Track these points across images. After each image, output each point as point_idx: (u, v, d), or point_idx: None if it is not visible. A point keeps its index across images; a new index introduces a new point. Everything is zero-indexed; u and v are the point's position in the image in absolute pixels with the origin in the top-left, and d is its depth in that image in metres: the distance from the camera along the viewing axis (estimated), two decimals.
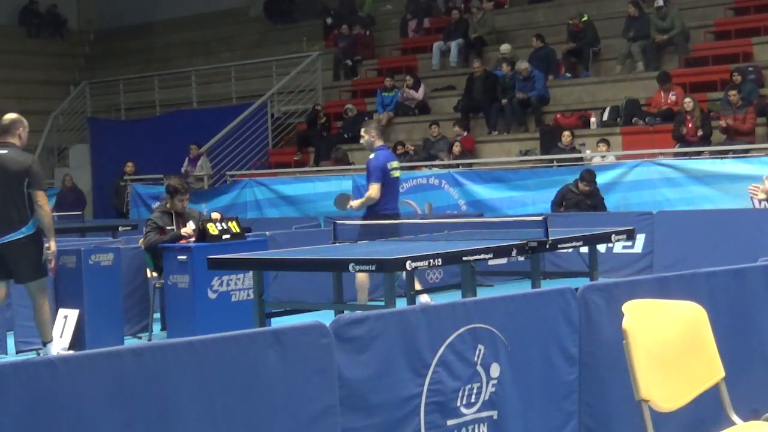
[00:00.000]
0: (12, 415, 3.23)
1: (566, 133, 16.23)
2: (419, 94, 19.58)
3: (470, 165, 17.22)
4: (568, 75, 18.77)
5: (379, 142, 10.32)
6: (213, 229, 9.43)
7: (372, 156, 10.25)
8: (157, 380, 3.59)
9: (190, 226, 9.80)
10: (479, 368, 4.59)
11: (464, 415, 4.55)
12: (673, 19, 17.68)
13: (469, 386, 4.55)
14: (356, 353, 4.17)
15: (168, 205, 10.18)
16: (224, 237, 9.44)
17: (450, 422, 4.49)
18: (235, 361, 3.80)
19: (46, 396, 3.31)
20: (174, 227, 9.97)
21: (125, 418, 3.50)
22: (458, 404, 4.52)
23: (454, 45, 20.53)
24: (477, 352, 4.58)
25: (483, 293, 10.16)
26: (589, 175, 14.08)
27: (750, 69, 16.11)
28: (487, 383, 4.63)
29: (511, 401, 4.71)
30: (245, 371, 3.83)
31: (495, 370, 4.65)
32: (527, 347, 4.78)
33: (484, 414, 4.61)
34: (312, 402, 4.00)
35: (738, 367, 5.15)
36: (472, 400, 4.57)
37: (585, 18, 18.63)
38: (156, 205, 14.21)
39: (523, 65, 18.00)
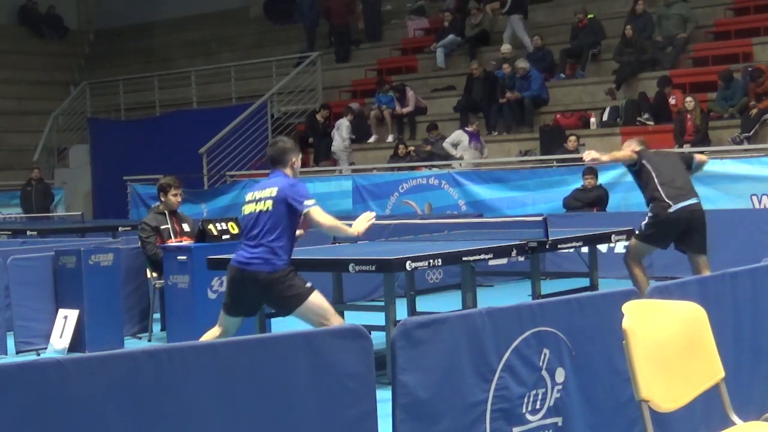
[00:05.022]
0: (16, 419, 3.12)
1: (572, 138, 16.26)
2: (410, 106, 19.46)
3: (470, 165, 17.22)
4: (563, 75, 18.77)
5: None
6: (213, 229, 9.43)
7: None
8: (173, 385, 3.43)
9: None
10: (544, 373, 4.50)
11: (530, 421, 4.45)
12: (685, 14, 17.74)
13: (534, 392, 4.45)
14: (420, 358, 4.00)
15: (161, 207, 10.16)
16: (224, 237, 9.44)
17: (516, 429, 4.39)
18: (261, 365, 3.64)
19: (54, 399, 3.19)
20: (169, 226, 9.96)
21: (138, 425, 3.36)
22: (524, 411, 4.41)
23: (440, 49, 20.56)
24: (542, 357, 4.47)
25: (483, 294, 10.17)
26: (589, 171, 14.33)
27: (749, 69, 16.10)
28: (552, 389, 4.53)
29: (575, 407, 4.62)
30: (272, 376, 3.67)
31: (560, 375, 4.55)
32: (591, 351, 4.67)
33: (549, 421, 4.52)
34: (348, 408, 3.86)
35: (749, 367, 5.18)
36: (537, 407, 4.47)
37: (591, 15, 18.63)
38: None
39: (521, 64, 17.99)
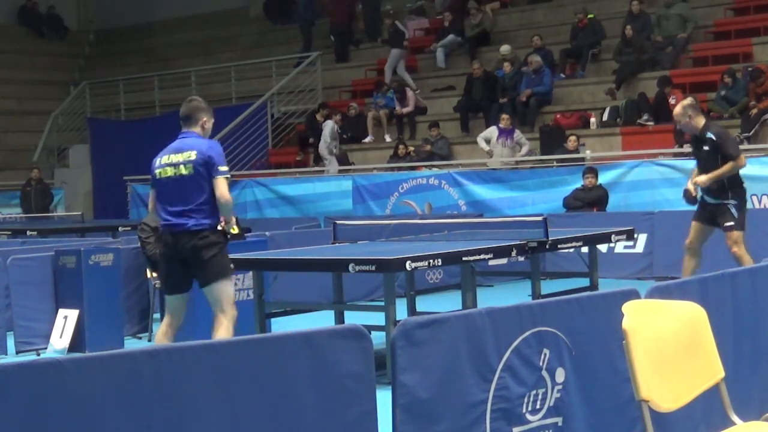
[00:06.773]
0: (16, 419, 3.11)
1: (572, 138, 16.23)
2: (409, 106, 19.45)
3: (470, 165, 17.22)
4: (563, 75, 18.77)
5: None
6: None
7: None
8: (173, 385, 3.43)
9: None
10: (544, 373, 4.50)
11: (530, 421, 4.44)
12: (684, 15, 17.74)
13: (535, 392, 4.45)
14: (420, 358, 4.00)
15: None
16: None
17: (516, 429, 4.38)
18: (261, 365, 3.63)
19: (54, 399, 3.18)
20: None
21: (138, 425, 3.36)
22: (524, 411, 4.41)
23: (440, 49, 20.58)
24: (542, 357, 4.47)
25: (483, 294, 10.17)
26: (590, 170, 14.43)
27: (749, 69, 16.10)
28: (552, 389, 4.53)
29: (575, 407, 4.62)
30: (272, 376, 3.67)
31: (560, 375, 4.55)
32: (591, 351, 4.67)
33: (549, 421, 4.52)
34: (347, 408, 3.86)
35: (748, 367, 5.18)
36: (538, 407, 4.47)
37: (591, 15, 18.64)
38: None
39: (534, 58, 17.94)
